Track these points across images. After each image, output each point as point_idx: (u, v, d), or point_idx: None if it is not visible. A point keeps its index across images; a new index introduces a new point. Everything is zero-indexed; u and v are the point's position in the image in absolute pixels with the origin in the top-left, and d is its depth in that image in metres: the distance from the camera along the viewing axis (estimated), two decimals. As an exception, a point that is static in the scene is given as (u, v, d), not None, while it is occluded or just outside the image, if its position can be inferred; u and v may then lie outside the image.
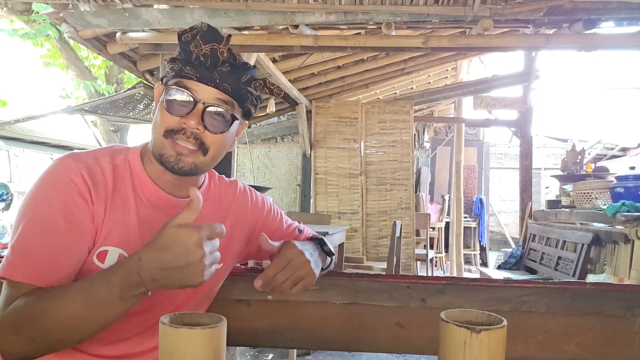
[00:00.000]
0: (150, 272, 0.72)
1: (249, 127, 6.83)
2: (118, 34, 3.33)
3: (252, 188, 1.15)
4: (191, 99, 0.87)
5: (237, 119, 0.93)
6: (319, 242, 1.07)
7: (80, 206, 0.85)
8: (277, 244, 0.96)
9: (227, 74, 0.89)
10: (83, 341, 0.79)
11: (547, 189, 9.82)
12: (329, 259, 1.08)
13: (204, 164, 0.91)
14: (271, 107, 4.85)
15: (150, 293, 0.76)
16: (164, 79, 0.93)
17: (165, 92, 0.89)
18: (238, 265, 1.19)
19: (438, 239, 6.95)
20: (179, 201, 0.96)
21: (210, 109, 0.88)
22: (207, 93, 0.88)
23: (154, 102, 0.97)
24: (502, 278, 1.62)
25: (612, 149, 9.70)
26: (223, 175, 1.12)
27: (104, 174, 0.90)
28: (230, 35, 0.91)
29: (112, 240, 0.89)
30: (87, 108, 5.38)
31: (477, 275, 5.21)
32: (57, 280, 0.81)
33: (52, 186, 0.85)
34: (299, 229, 1.17)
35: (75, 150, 0.94)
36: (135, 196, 0.92)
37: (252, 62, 3.72)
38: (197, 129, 0.87)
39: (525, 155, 5.58)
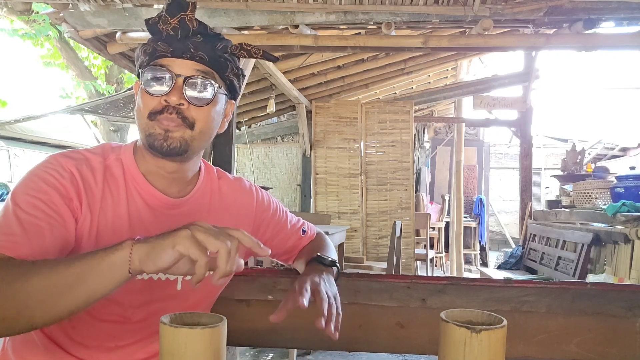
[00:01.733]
0: (139, 245, 0.68)
1: (249, 127, 6.83)
2: (118, 34, 3.33)
3: (258, 186, 1.11)
4: (169, 75, 0.84)
5: (222, 90, 0.90)
6: (317, 259, 1.03)
7: (62, 195, 0.82)
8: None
9: (201, 44, 0.86)
10: (63, 315, 0.69)
11: (547, 189, 9.82)
12: (335, 268, 1.04)
13: (193, 139, 0.87)
14: (271, 107, 4.85)
15: (133, 274, 0.69)
16: (139, 70, 0.90)
17: (142, 77, 0.86)
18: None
19: (438, 239, 6.95)
20: (173, 202, 0.93)
21: (190, 81, 0.85)
22: (184, 66, 0.85)
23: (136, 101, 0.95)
24: (502, 278, 1.62)
25: (612, 149, 9.70)
26: (227, 172, 1.07)
27: (94, 175, 0.87)
28: (195, 2, 0.89)
29: (103, 244, 0.84)
30: (87, 108, 5.39)
31: (477, 275, 5.21)
32: (31, 255, 0.75)
33: (37, 174, 0.82)
34: (302, 230, 1.15)
35: (66, 150, 0.92)
36: (128, 196, 0.90)
37: (252, 62, 3.72)
38: (181, 104, 0.84)
39: (525, 155, 5.58)
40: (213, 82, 0.87)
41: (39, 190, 0.80)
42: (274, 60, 1.00)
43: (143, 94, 0.86)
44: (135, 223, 0.89)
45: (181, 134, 0.85)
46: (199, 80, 0.85)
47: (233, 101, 0.97)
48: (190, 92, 0.85)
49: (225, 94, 0.92)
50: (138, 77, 0.91)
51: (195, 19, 0.87)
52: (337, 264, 1.04)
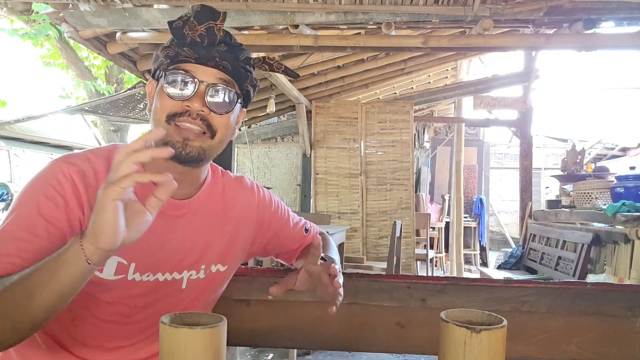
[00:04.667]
0: (84, 233, 0.69)
1: (249, 127, 6.83)
2: (118, 34, 3.33)
3: (259, 185, 1.11)
4: (193, 81, 0.84)
5: (240, 99, 0.91)
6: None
7: (61, 208, 0.81)
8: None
9: (226, 53, 0.87)
10: (39, 317, 0.72)
11: (547, 189, 9.82)
12: None
13: (211, 148, 0.88)
14: (271, 107, 4.85)
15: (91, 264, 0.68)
16: (157, 71, 0.89)
17: (164, 78, 0.86)
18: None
19: (438, 239, 6.95)
20: (180, 203, 0.93)
21: (213, 88, 0.85)
22: (207, 74, 0.86)
23: (148, 101, 0.95)
24: (503, 278, 1.62)
25: (612, 149, 9.70)
26: (228, 171, 1.07)
27: (97, 178, 0.86)
28: (225, 12, 0.89)
29: None
30: (87, 108, 5.39)
31: (477, 275, 5.21)
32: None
33: (38, 185, 0.82)
34: (305, 229, 1.14)
35: (71, 152, 0.91)
36: None
37: (252, 62, 3.71)
38: (202, 110, 0.85)
39: (525, 155, 5.58)
40: (233, 91, 0.88)
41: (38, 205, 0.80)
42: (295, 76, 1.01)
43: (162, 95, 0.86)
44: None
45: (200, 144, 0.86)
46: (221, 89, 0.86)
47: (244, 109, 0.98)
48: (211, 100, 0.85)
49: (241, 103, 0.93)
50: (154, 77, 0.92)
51: (223, 29, 0.87)
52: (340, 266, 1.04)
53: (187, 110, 0.84)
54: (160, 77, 0.87)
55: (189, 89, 0.84)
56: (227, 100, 0.87)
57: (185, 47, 0.85)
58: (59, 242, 0.79)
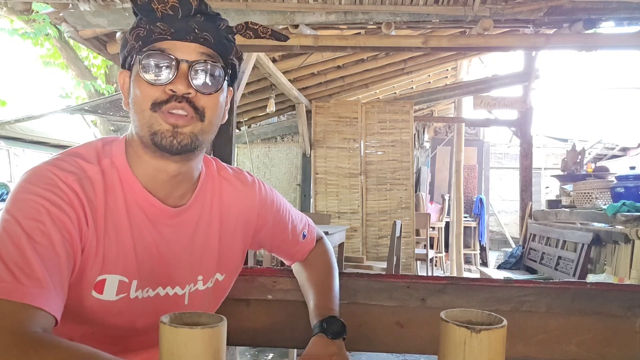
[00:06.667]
0: None
1: (249, 127, 6.84)
2: (118, 34, 3.33)
3: (261, 181, 1.01)
4: (173, 60, 0.74)
5: (228, 75, 0.81)
6: (324, 330, 0.93)
7: (73, 220, 0.73)
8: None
9: (205, 24, 0.77)
10: None
11: (547, 188, 9.83)
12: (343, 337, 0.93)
13: (204, 132, 0.78)
14: (271, 107, 4.86)
15: None
16: (129, 58, 0.79)
17: (138, 64, 0.75)
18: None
19: (438, 238, 6.95)
20: (175, 211, 0.84)
21: (197, 66, 0.75)
22: (188, 50, 0.75)
23: (123, 95, 0.84)
24: (502, 278, 1.62)
25: (612, 149, 9.70)
26: (226, 165, 0.97)
27: (95, 190, 0.77)
28: None
29: (110, 267, 0.78)
30: (87, 108, 5.40)
31: (477, 275, 5.21)
32: (56, 301, 0.67)
33: (43, 195, 0.71)
34: (303, 234, 1.08)
35: (56, 157, 0.79)
36: (128, 210, 0.80)
37: (252, 62, 3.72)
38: (189, 93, 0.75)
39: (525, 155, 5.59)
40: (219, 65, 0.79)
41: (49, 215, 0.70)
42: (285, 39, 0.89)
43: (141, 83, 0.76)
44: (137, 240, 0.81)
45: (191, 129, 0.77)
46: (206, 65, 0.76)
47: (231, 88, 0.88)
48: (197, 79, 0.76)
49: (227, 80, 0.83)
50: (124, 66, 0.82)
51: None
52: (344, 333, 0.92)
53: (172, 95, 0.75)
54: (134, 63, 0.77)
55: (170, 71, 0.74)
56: (213, 77, 0.77)
57: (157, 23, 0.75)
58: (71, 255, 0.72)
